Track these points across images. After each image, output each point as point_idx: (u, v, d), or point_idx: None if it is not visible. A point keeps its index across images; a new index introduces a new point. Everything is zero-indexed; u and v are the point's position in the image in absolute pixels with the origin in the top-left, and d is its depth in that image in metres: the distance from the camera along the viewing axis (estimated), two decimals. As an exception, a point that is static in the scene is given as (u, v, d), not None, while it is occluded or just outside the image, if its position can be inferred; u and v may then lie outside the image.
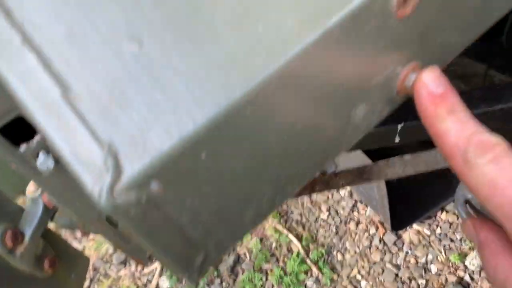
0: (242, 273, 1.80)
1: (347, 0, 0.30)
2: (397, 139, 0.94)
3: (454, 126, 0.35)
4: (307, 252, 1.77)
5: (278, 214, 1.89)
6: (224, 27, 0.29)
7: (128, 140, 0.27)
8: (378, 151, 1.04)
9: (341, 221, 1.85)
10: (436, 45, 0.38)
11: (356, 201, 1.91)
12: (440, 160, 0.71)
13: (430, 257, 1.71)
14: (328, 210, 1.90)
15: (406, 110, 0.89)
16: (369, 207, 1.86)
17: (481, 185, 0.33)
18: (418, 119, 0.93)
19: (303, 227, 1.88)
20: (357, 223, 1.84)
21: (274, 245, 1.83)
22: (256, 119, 0.30)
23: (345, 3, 0.30)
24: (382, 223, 1.80)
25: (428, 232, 1.75)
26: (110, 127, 0.28)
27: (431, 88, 0.36)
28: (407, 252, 1.72)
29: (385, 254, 1.73)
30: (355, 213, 1.87)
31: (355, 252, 1.75)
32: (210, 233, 0.34)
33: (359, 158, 1.45)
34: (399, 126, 0.90)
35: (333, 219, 1.87)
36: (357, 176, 0.74)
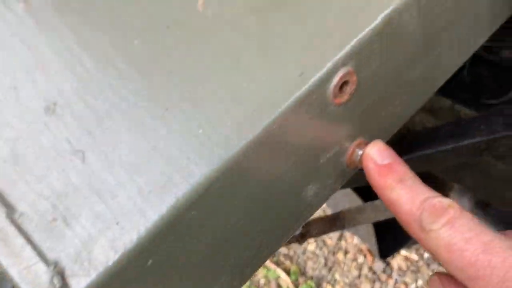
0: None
1: (284, 96, 0.31)
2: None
3: (405, 194, 0.37)
4: (296, 286, 1.76)
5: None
6: (162, 138, 0.30)
7: (74, 257, 0.28)
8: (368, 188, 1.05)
9: (329, 252, 1.85)
10: (380, 120, 0.40)
11: (343, 231, 1.91)
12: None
13: (419, 283, 1.71)
14: (316, 241, 1.90)
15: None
16: (356, 236, 1.86)
17: (439, 249, 0.34)
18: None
19: (291, 260, 1.87)
20: (345, 253, 1.84)
21: (262, 281, 1.82)
22: (201, 219, 0.31)
23: (282, 99, 0.31)
24: (370, 251, 1.81)
25: (416, 257, 1.75)
26: (56, 244, 0.28)
27: (377, 161, 0.37)
28: (396, 279, 1.72)
29: (374, 282, 1.73)
30: (343, 242, 1.87)
31: (345, 283, 1.74)
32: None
33: (349, 197, 1.46)
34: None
35: (320, 249, 1.87)
36: (330, 223, 0.75)
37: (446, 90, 0.98)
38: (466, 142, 0.88)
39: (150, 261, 0.29)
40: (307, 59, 0.32)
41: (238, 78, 0.32)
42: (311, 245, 1.88)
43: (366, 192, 1.44)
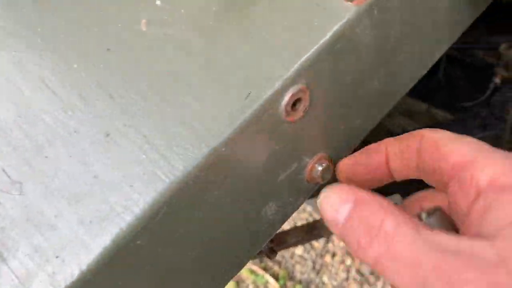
0: (223, 319, 1.77)
1: (231, 118, 0.30)
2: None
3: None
4: (285, 291, 1.75)
5: (254, 254, 1.88)
6: (104, 165, 0.29)
7: (12, 295, 0.27)
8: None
9: (316, 255, 1.84)
10: (340, 134, 0.39)
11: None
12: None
13: (407, 283, 1.70)
14: (303, 245, 1.89)
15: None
16: (343, 238, 1.86)
17: None
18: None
19: (279, 265, 1.86)
20: (333, 255, 1.83)
21: (251, 287, 1.81)
22: (148, 249, 0.30)
23: (229, 122, 0.30)
24: (357, 253, 1.81)
25: (403, 258, 1.75)
26: (-6, 281, 0.27)
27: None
28: (384, 281, 1.71)
29: (363, 285, 1.72)
30: (330, 245, 1.87)
31: (333, 286, 1.74)
32: None
33: None
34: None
35: (308, 253, 1.86)
36: (308, 232, 0.74)
37: (422, 93, 0.98)
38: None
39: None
40: (255, 79, 0.31)
41: (182, 101, 0.31)
42: (298, 248, 1.87)
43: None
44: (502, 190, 0.28)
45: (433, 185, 0.35)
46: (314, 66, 0.32)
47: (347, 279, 1.76)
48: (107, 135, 0.30)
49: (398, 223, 0.28)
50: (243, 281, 1.84)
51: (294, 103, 0.33)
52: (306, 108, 0.34)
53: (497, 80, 0.83)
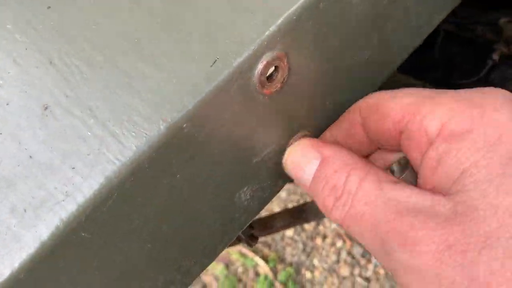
0: (211, 302, 1.75)
1: (195, 89, 0.26)
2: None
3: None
4: (275, 273, 1.73)
5: (244, 236, 1.85)
6: (41, 144, 0.24)
7: None
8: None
9: (307, 237, 1.82)
10: (324, 110, 0.35)
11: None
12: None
13: (398, 265, 1.69)
14: (294, 226, 1.86)
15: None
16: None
17: None
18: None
19: (269, 248, 1.84)
20: (324, 238, 1.81)
21: (240, 270, 1.78)
22: (95, 242, 0.25)
23: (192, 94, 0.26)
24: (348, 235, 1.78)
25: (394, 240, 1.73)
26: None
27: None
28: (376, 264, 1.70)
29: (354, 267, 1.70)
30: (321, 227, 1.84)
31: (324, 268, 1.72)
32: None
33: None
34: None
35: (299, 235, 1.84)
36: (296, 216, 0.70)
37: (417, 70, 0.94)
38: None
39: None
40: (223, 43, 0.27)
41: (136, 68, 0.26)
42: (289, 230, 1.84)
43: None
44: (451, 136, 0.26)
45: (392, 150, 0.34)
46: (293, 28, 0.28)
47: (337, 261, 1.74)
48: (45, 108, 0.25)
49: (362, 179, 0.28)
50: (232, 264, 1.81)
51: (271, 73, 0.29)
52: (284, 79, 0.29)
53: (495, 56, 0.79)
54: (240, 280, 1.76)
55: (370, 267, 1.71)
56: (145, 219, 0.27)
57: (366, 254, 1.74)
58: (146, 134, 0.25)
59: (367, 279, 1.68)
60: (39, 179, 0.24)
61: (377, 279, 1.68)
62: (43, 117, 0.25)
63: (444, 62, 0.88)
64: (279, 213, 0.70)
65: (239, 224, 0.35)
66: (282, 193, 1.88)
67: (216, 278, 1.78)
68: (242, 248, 1.81)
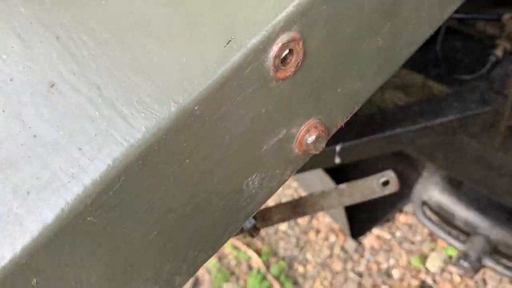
0: (203, 295, 1.74)
1: (207, 71, 0.25)
2: (337, 160, 0.90)
3: None
4: (268, 267, 1.73)
5: (237, 229, 1.84)
6: (45, 122, 0.23)
7: None
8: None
9: (300, 231, 1.81)
10: (336, 98, 0.34)
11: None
12: (376, 189, 0.67)
13: (391, 262, 1.69)
14: (288, 221, 1.86)
15: (343, 130, 0.86)
16: (328, 215, 1.83)
17: None
18: (358, 138, 0.87)
19: (263, 241, 1.83)
20: (317, 232, 1.81)
21: (233, 263, 1.78)
22: (102, 226, 0.24)
23: (203, 77, 0.25)
24: (342, 230, 1.78)
25: (388, 236, 1.74)
26: None
27: None
28: (368, 259, 1.70)
29: (346, 262, 1.70)
30: (314, 222, 1.84)
31: (317, 263, 1.72)
32: None
33: (320, 178, 1.42)
34: (338, 147, 0.86)
35: (292, 229, 1.83)
36: (292, 210, 0.69)
37: (418, 65, 0.93)
38: (438, 120, 0.83)
39: (34, 281, 0.23)
40: (238, 23, 0.25)
41: (146, 47, 0.25)
42: (282, 225, 1.84)
43: (339, 172, 1.40)
44: None
45: None
46: (310, 10, 0.27)
47: (330, 256, 1.74)
48: (52, 85, 0.24)
49: None
50: (225, 257, 1.81)
51: (285, 56, 0.27)
52: (298, 63, 0.28)
53: (498, 52, 0.79)
54: (232, 273, 1.76)
55: (363, 262, 1.71)
56: (153, 205, 0.26)
57: (359, 249, 1.74)
58: (156, 115, 0.24)
59: (360, 274, 1.68)
60: (44, 160, 0.23)
61: (370, 274, 1.68)
62: (48, 95, 0.23)
63: (446, 58, 0.87)
64: (276, 206, 0.69)
65: (246, 214, 0.34)
66: (277, 187, 1.87)
67: (209, 271, 1.78)
68: (235, 241, 1.80)
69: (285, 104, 0.30)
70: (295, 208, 0.69)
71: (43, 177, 0.23)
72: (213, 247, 0.33)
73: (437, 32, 0.92)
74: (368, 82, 0.36)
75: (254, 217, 0.58)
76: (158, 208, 0.27)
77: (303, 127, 0.32)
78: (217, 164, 0.28)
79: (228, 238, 0.34)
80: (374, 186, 0.67)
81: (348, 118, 0.37)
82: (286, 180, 0.36)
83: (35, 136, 0.23)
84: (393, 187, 0.66)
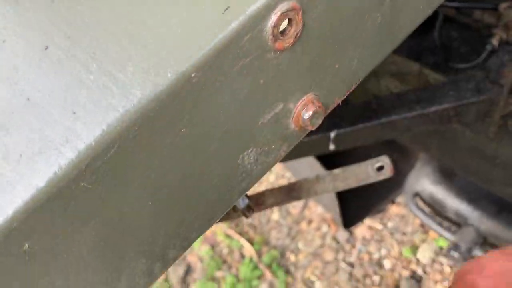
0: (194, 283, 1.75)
1: (203, 39, 0.24)
2: (331, 147, 0.90)
3: None
4: (259, 255, 1.73)
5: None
6: (39, 86, 0.23)
7: None
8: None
9: (293, 221, 1.82)
10: (334, 73, 0.33)
11: (307, 200, 1.88)
12: (371, 174, 0.67)
13: (383, 252, 1.70)
14: (280, 210, 1.86)
15: (338, 117, 0.85)
16: (320, 205, 1.83)
17: None
18: (353, 125, 0.87)
19: (255, 230, 1.83)
20: (309, 222, 1.81)
21: (225, 251, 1.78)
22: (95, 194, 0.24)
23: (199, 44, 0.24)
24: (334, 221, 1.79)
25: (380, 227, 1.75)
26: None
27: None
28: (360, 249, 1.71)
29: (338, 252, 1.71)
30: (307, 212, 1.84)
31: (308, 252, 1.72)
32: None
33: (312, 166, 1.41)
34: (332, 134, 0.86)
35: (284, 219, 1.84)
36: (286, 194, 0.69)
37: (414, 53, 0.93)
38: (433, 108, 0.83)
39: (26, 245, 0.23)
40: (236, -11, 0.25)
41: (142, 11, 0.24)
42: (275, 214, 1.84)
43: (330, 160, 1.40)
44: None
45: None
46: (310, -21, 0.26)
47: (322, 246, 1.75)
48: (45, 48, 0.23)
49: None
50: (217, 245, 1.81)
51: (284, 28, 0.27)
52: (297, 34, 0.28)
53: (494, 41, 0.79)
54: (225, 262, 1.76)
55: (354, 252, 1.72)
56: (148, 175, 0.25)
57: (350, 239, 1.75)
58: (152, 82, 0.23)
59: (351, 264, 1.69)
60: (37, 124, 0.23)
61: (361, 264, 1.69)
62: (42, 59, 0.23)
63: (442, 46, 0.87)
64: (270, 191, 0.69)
65: (241, 189, 0.33)
66: (271, 176, 1.88)
67: (201, 259, 1.78)
68: (227, 230, 1.80)
69: (283, 77, 0.30)
70: (289, 192, 0.68)
71: (36, 141, 0.22)
72: (208, 222, 0.32)
73: (434, 20, 0.91)
74: (366, 60, 0.36)
75: (249, 197, 0.57)
76: (153, 178, 0.27)
77: (300, 102, 0.32)
78: (213, 136, 0.28)
79: (222, 213, 0.34)
80: (369, 171, 0.67)
81: (345, 96, 0.37)
82: (282, 157, 0.35)
83: (28, 99, 0.23)
84: (388, 172, 0.66)
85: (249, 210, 0.52)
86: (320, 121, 0.34)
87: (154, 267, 0.31)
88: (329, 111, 0.36)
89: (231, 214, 0.55)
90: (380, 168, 0.66)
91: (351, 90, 0.36)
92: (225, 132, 0.29)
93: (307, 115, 0.32)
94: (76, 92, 0.23)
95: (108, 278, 0.28)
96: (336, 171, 0.69)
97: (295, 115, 0.33)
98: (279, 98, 0.30)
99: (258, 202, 0.68)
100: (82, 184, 0.23)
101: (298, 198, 0.69)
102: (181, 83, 0.24)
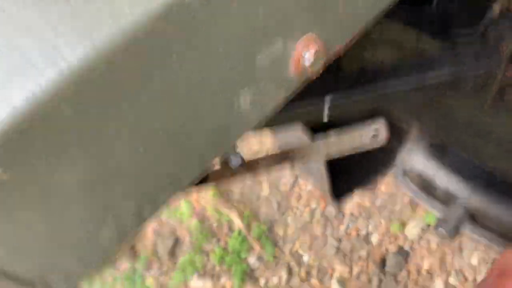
0: (183, 255, 1.74)
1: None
2: (326, 117, 0.88)
3: None
4: (248, 229, 1.73)
5: (218, 193, 1.83)
6: (20, 4, 0.21)
7: None
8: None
9: (282, 197, 1.81)
10: (337, 15, 0.31)
11: (297, 177, 1.87)
12: (366, 140, 0.66)
13: (371, 228, 1.71)
14: (270, 186, 1.86)
15: (333, 86, 0.84)
16: (310, 181, 1.83)
17: None
18: (347, 94, 0.85)
19: (244, 205, 1.83)
20: (298, 198, 1.81)
21: (215, 224, 1.77)
22: (77, 123, 0.22)
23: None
24: (323, 197, 1.79)
25: (368, 204, 1.75)
26: None
27: None
28: (348, 225, 1.71)
29: (326, 227, 1.72)
30: (296, 188, 1.84)
31: (297, 227, 1.73)
32: (48, 266, 0.26)
33: (298, 136, 1.40)
34: (327, 103, 0.84)
35: (274, 195, 1.83)
36: (279, 159, 0.68)
37: (413, 20, 0.91)
38: (430, 77, 0.81)
39: (3, 174, 0.21)
40: None
41: None
42: (264, 190, 1.84)
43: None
44: None
45: None
46: None
47: (311, 221, 1.75)
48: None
49: None
50: (207, 219, 1.80)
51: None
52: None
53: (495, 10, 0.77)
54: (213, 235, 1.76)
55: (342, 227, 1.73)
56: (138, 110, 0.24)
57: (339, 215, 1.76)
58: (145, 3, 0.21)
59: (339, 239, 1.70)
60: (15, 40, 0.20)
61: (349, 240, 1.70)
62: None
63: (441, 14, 0.85)
64: (263, 158, 0.68)
65: (235, 133, 0.32)
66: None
67: (190, 232, 1.77)
68: (217, 203, 1.79)
69: (283, 8, 0.28)
70: (283, 157, 0.67)
71: (14, 58, 0.20)
72: (200, 166, 0.31)
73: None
74: (368, 6, 0.34)
75: (241, 157, 0.56)
76: (144, 116, 0.25)
77: (300, 41, 0.30)
78: (207, 69, 0.26)
79: (215, 157, 0.32)
80: (364, 137, 0.66)
81: (346, 44, 0.35)
82: (278, 105, 0.34)
83: (4, 11, 0.21)
84: (383, 138, 0.64)
85: (243, 164, 0.51)
86: (320, 66, 0.32)
87: (143, 209, 0.29)
88: (330, 58, 0.34)
89: (224, 171, 0.54)
90: (375, 135, 0.65)
91: (353, 40, 0.35)
92: (220, 66, 0.27)
93: (308, 55, 0.31)
94: (59, 7, 0.21)
95: (93, 217, 0.26)
96: (331, 137, 0.67)
97: (295, 56, 0.31)
98: (278, 32, 0.29)
99: (251, 168, 0.67)
100: (63, 108, 0.21)
101: (291, 164, 0.68)
102: (176, 5, 0.22)
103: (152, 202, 0.29)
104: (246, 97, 0.30)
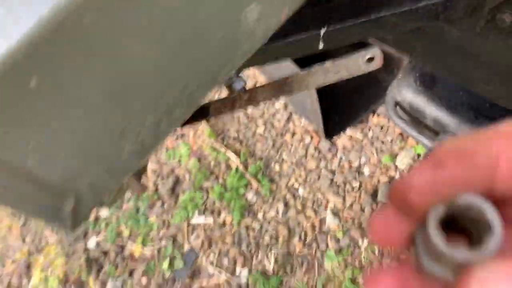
0: (183, 194, 1.79)
1: None
2: (321, 45, 0.89)
3: None
4: (245, 166, 1.77)
5: (214, 133, 1.86)
6: None
7: None
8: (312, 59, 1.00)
9: (277, 134, 1.85)
10: None
11: (291, 113, 1.90)
12: (361, 65, 0.68)
13: (363, 160, 1.76)
14: (265, 124, 1.88)
15: (329, 12, 0.84)
16: (303, 118, 1.86)
17: None
18: (342, 22, 0.86)
19: (241, 143, 1.86)
20: (293, 134, 1.84)
21: (212, 163, 1.82)
22: (102, 30, 0.23)
23: None
24: (316, 132, 1.82)
25: (360, 137, 1.79)
26: None
27: None
28: (341, 158, 1.76)
29: (320, 161, 1.76)
30: (291, 125, 1.87)
31: (292, 162, 1.77)
32: (76, 175, 0.29)
33: (289, 69, 1.40)
34: (322, 31, 0.85)
35: (269, 132, 1.86)
36: (278, 89, 0.69)
37: None
38: (422, 3, 0.82)
39: (33, 81, 0.22)
40: None
41: None
42: (260, 128, 1.86)
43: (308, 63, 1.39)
44: None
45: None
46: None
47: (305, 156, 1.80)
48: None
49: None
50: (205, 158, 1.84)
51: None
52: None
53: None
54: (212, 173, 1.80)
55: (335, 161, 1.78)
56: (156, 17, 0.25)
57: (332, 149, 1.80)
58: None
59: (332, 172, 1.75)
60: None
61: (341, 172, 1.75)
62: None
63: None
64: (261, 86, 0.69)
65: (244, 51, 0.33)
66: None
67: (189, 171, 1.81)
68: (214, 143, 1.82)
69: None
70: (281, 87, 0.69)
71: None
72: (212, 81, 0.33)
73: None
74: None
75: (244, 81, 0.58)
76: (157, 31, 0.26)
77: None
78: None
79: (224, 75, 0.34)
80: (359, 62, 0.67)
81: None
82: (283, 21, 0.35)
83: None
84: (378, 62, 0.66)
85: (245, 92, 0.53)
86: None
87: (160, 123, 0.31)
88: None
89: (228, 103, 0.56)
90: (370, 59, 0.66)
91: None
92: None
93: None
94: None
95: (116, 128, 0.28)
96: (327, 64, 0.69)
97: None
98: None
99: (250, 99, 0.68)
100: (87, 17, 0.22)
101: (290, 92, 0.69)
102: None
103: (168, 116, 0.31)
104: (253, 13, 0.31)
